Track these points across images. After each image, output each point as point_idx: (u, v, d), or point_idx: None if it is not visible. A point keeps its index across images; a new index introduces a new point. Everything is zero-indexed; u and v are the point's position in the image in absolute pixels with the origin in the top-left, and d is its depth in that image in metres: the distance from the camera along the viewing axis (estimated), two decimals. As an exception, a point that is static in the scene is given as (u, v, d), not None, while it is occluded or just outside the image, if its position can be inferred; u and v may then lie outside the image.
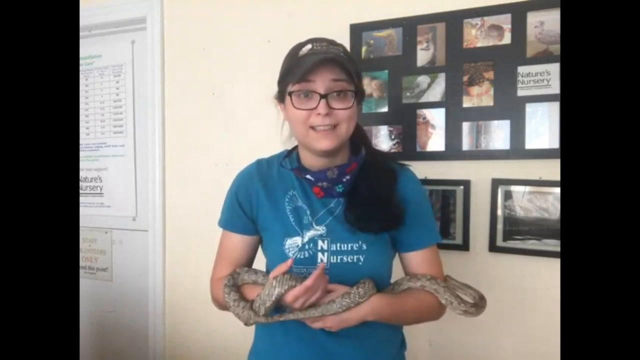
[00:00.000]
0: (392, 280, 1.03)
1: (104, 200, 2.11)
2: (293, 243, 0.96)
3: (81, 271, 2.13)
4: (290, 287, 0.86)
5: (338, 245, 0.95)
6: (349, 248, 0.95)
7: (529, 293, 1.35)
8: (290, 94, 0.93)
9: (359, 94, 0.97)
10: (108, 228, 2.09)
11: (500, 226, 1.36)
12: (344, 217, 0.96)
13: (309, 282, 0.84)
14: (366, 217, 0.94)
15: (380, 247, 0.97)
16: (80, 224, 2.06)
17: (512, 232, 1.35)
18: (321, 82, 0.90)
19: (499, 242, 1.37)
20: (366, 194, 0.96)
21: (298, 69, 0.90)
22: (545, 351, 1.33)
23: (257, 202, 1.03)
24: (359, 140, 1.03)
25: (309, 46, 0.94)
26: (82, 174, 2.14)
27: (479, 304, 0.96)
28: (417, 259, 1.00)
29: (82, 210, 2.10)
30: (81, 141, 2.11)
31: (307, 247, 0.96)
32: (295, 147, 1.07)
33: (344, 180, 0.96)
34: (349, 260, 0.95)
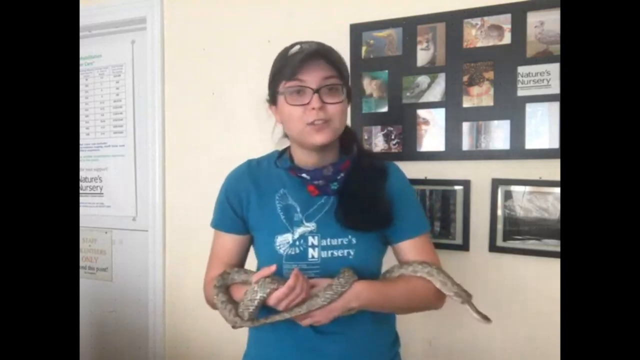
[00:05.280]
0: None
1: (104, 200, 2.11)
2: (284, 240, 0.98)
3: (81, 271, 2.13)
4: (272, 290, 0.87)
5: (328, 240, 0.97)
6: (339, 242, 0.97)
7: (529, 293, 1.35)
8: (282, 93, 0.95)
9: (349, 90, 1.00)
10: (108, 228, 2.09)
11: (500, 226, 1.36)
12: (334, 214, 0.98)
13: (290, 281, 0.85)
14: (356, 216, 0.96)
15: (369, 241, 0.99)
16: (80, 224, 2.06)
17: (512, 232, 1.35)
18: (312, 79, 0.92)
19: (499, 242, 1.37)
20: (357, 192, 0.98)
21: (288, 67, 0.92)
22: (545, 351, 1.33)
23: (247, 201, 1.04)
24: (349, 139, 1.05)
25: (297, 47, 0.96)
26: (82, 174, 2.14)
27: (469, 293, 0.97)
28: (408, 247, 1.01)
29: (82, 210, 2.10)
30: (81, 141, 2.11)
31: (297, 243, 0.97)
32: (287, 148, 1.08)
33: (338, 177, 0.98)
34: (339, 255, 0.96)
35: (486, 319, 0.97)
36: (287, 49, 0.98)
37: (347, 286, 0.89)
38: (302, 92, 0.93)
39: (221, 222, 1.08)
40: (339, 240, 0.97)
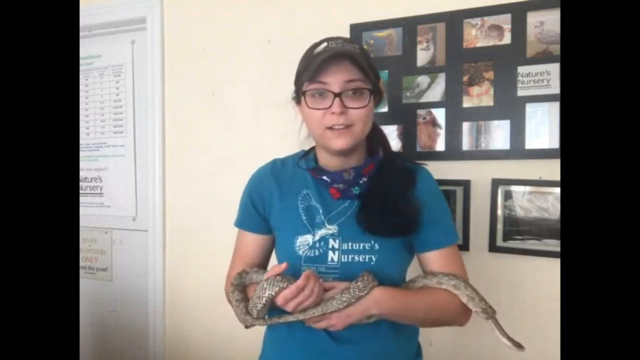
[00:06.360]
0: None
1: (104, 200, 2.11)
2: (304, 241, 0.96)
3: (81, 271, 2.13)
4: (281, 288, 0.84)
5: (350, 244, 0.94)
6: (361, 247, 0.94)
7: (529, 293, 1.35)
8: (304, 93, 0.92)
9: (376, 93, 0.96)
10: (108, 228, 2.09)
11: (500, 226, 1.36)
12: (356, 219, 0.95)
13: (300, 282, 0.83)
14: (378, 221, 0.92)
15: (393, 247, 0.95)
16: (80, 224, 2.06)
17: (512, 232, 1.35)
18: (335, 82, 0.89)
19: (499, 242, 1.37)
20: (380, 196, 0.94)
21: (311, 67, 0.89)
22: (545, 351, 1.33)
23: (269, 201, 1.03)
24: (376, 141, 1.01)
25: (324, 44, 0.93)
26: (82, 174, 2.14)
27: (494, 310, 0.94)
28: (434, 258, 0.97)
29: (82, 210, 2.10)
30: (81, 141, 2.11)
31: (317, 245, 0.95)
32: (313, 148, 1.06)
33: (361, 182, 0.95)
34: (360, 260, 0.93)
35: (519, 346, 0.90)
36: (314, 46, 0.94)
37: (366, 291, 0.86)
38: (324, 94, 0.90)
39: (244, 222, 1.07)
40: (361, 245, 0.94)
